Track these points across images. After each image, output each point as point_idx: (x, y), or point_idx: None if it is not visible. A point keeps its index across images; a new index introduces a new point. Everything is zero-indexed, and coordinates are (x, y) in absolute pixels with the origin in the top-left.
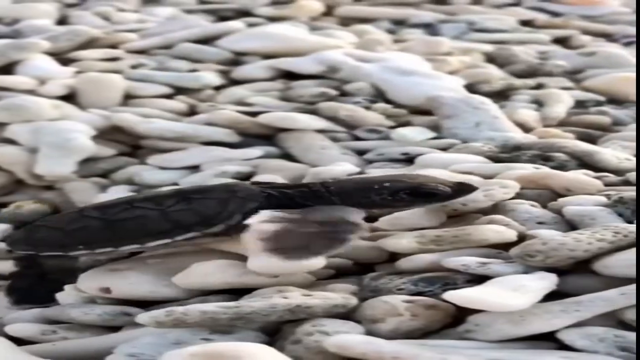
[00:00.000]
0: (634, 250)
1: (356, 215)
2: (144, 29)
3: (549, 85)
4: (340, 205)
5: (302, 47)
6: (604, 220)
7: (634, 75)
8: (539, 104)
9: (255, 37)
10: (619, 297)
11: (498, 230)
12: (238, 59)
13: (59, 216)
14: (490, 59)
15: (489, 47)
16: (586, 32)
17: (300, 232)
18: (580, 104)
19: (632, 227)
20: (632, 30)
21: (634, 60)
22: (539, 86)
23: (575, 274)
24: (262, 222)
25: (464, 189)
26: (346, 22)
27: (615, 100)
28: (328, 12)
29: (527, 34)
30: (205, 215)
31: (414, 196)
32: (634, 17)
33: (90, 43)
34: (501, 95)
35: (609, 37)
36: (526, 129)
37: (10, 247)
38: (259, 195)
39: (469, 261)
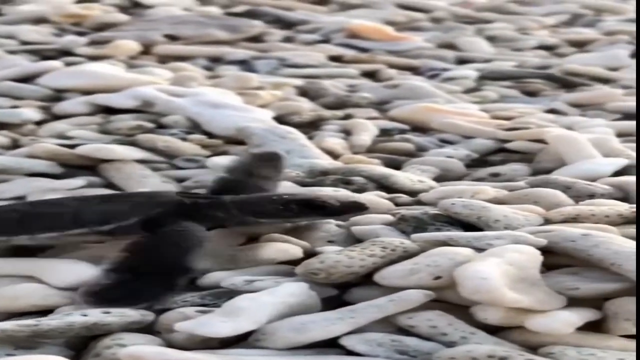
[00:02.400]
0: (404, 262)
1: (190, 259)
2: None
3: (357, 116)
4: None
5: (118, 83)
6: (385, 237)
7: (433, 105)
8: (347, 133)
9: (74, 75)
10: (389, 304)
11: (282, 249)
12: (58, 95)
13: None
14: (303, 92)
15: (299, 82)
16: (392, 66)
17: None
18: (385, 133)
19: (397, 241)
20: (436, 63)
21: (436, 90)
22: (347, 117)
23: (361, 286)
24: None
25: (353, 206)
26: (164, 60)
27: (418, 128)
28: (146, 51)
29: (336, 69)
30: (107, 214)
31: (303, 208)
32: (436, 52)
33: None
34: (312, 126)
35: (414, 70)
36: (335, 156)
37: None
38: (169, 203)
39: (237, 280)
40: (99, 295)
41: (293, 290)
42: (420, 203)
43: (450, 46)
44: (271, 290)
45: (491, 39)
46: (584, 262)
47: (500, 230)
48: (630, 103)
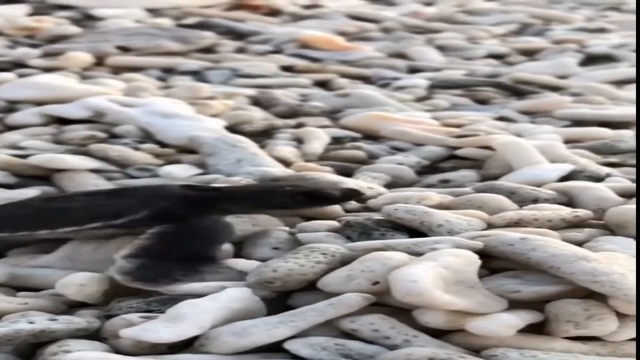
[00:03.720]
0: (342, 269)
1: (217, 250)
2: None
3: (309, 124)
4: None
5: (70, 94)
6: (322, 244)
7: (384, 113)
8: (299, 141)
9: (27, 87)
10: (328, 308)
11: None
12: (12, 106)
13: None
14: (255, 102)
15: (252, 92)
16: (344, 75)
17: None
18: (337, 141)
19: (333, 248)
20: (387, 72)
21: (387, 99)
22: (299, 125)
23: (308, 292)
24: (124, 257)
25: (352, 193)
26: (117, 71)
27: (370, 136)
28: (99, 62)
29: (288, 79)
30: (118, 208)
31: (308, 199)
32: (387, 62)
33: None
34: (265, 134)
35: (366, 79)
36: (287, 164)
37: None
38: (176, 196)
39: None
40: (135, 274)
41: (236, 295)
42: (368, 209)
43: (401, 55)
44: (214, 296)
45: (441, 49)
46: (523, 266)
47: (442, 235)
48: (578, 110)
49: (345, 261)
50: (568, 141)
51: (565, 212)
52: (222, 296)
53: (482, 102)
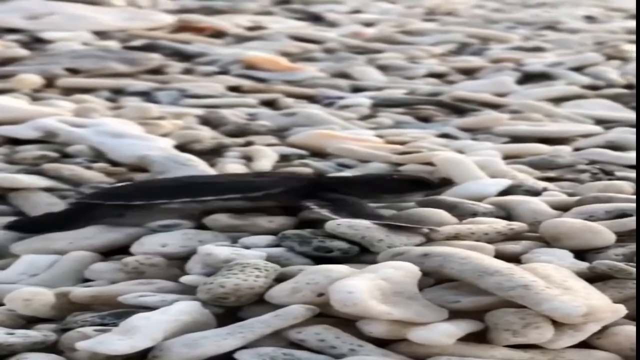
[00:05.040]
0: (288, 282)
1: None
2: None
3: (257, 143)
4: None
5: (21, 115)
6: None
7: (329, 131)
8: (248, 159)
9: None
10: (274, 319)
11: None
12: None
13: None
14: (204, 121)
15: (200, 111)
16: (289, 95)
17: None
18: (285, 158)
19: (262, 263)
20: (331, 92)
21: (331, 117)
22: (248, 144)
23: (256, 305)
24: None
25: (446, 182)
26: (67, 92)
27: (316, 154)
28: (49, 84)
29: (235, 99)
30: (258, 184)
31: (412, 186)
32: (331, 81)
33: None
34: (214, 153)
35: (311, 99)
36: None
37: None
38: (308, 180)
39: (129, 296)
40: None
41: (185, 309)
42: None
43: (344, 75)
44: (164, 309)
45: (382, 68)
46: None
47: (383, 250)
48: (517, 127)
49: (284, 273)
50: (507, 157)
51: (501, 225)
52: (173, 309)
53: (425, 119)
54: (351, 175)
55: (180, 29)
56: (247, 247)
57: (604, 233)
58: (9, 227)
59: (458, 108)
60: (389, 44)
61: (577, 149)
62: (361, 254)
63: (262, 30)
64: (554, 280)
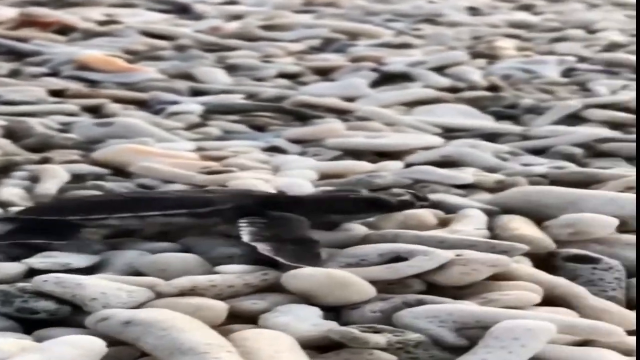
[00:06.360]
0: None
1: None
2: None
3: (55, 159)
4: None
5: None
6: None
7: (139, 146)
8: (34, 180)
9: None
10: None
11: None
12: None
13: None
14: (8, 133)
15: (3, 122)
16: (118, 100)
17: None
18: (80, 178)
19: None
20: (167, 96)
21: (152, 128)
22: (44, 160)
23: None
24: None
25: (406, 204)
26: None
27: (122, 172)
28: None
29: (54, 105)
30: (207, 200)
31: (371, 206)
32: (170, 84)
33: None
34: (4, 171)
35: (142, 104)
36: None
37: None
38: (258, 197)
39: None
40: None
41: None
42: None
43: (187, 76)
44: None
45: (231, 68)
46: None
47: (97, 310)
48: (351, 139)
49: None
50: (325, 177)
51: (253, 275)
52: None
53: (260, 128)
54: (307, 194)
55: (24, 24)
56: None
57: (358, 286)
58: None
59: (300, 114)
60: (247, 40)
61: (408, 165)
62: (77, 313)
63: (114, 25)
64: (260, 357)
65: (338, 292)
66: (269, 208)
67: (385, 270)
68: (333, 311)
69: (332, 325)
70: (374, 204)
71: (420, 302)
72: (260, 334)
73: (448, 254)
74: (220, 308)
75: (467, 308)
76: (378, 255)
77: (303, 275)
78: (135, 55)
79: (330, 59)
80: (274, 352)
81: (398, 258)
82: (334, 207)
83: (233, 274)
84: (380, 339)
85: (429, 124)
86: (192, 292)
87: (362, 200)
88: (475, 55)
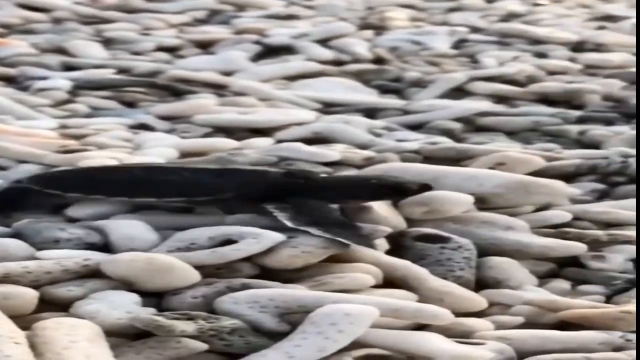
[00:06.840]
0: None
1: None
2: None
3: None
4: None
5: None
6: None
7: None
8: None
9: None
10: None
11: None
12: None
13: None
14: None
15: None
16: None
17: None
18: None
19: None
20: (37, 71)
21: (14, 105)
22: None
23: None
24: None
25: (425, 188)
26: None
27: None
28: None
29: None
30: (207, 186)
31: (392, 191)
32: (41, 59)
33: None
34: None
35: (11, 80)
36: None
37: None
38: (277, 182)
39: None
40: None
41: None
42: None
43: (60, 51)
44: None
45: (108, 42)
46: None
47: None
48: (221, 115)
49: None
50: (186, 154)
51: (73, 261)
52: None
53: (130, 104)
54: (322, 177)
55: None
56: None
57: (181, 271)
58: None
59: (174, 90)
60: (127, 12)
61: (279, 142)
62: None
63: None
64: (50, 350)
65: (159, 278)
66: (281, 193)
67: (210, 255)
68: (156, 297)
69: (143, 312)
70: (395, 189)
71: (245, 287)
72: (60, 323)
73: (278, 237)
74: (30, 296)
75: (291, 292)
76: (208, 239)
77: (123, 261)
78: (8, 29)
79: (212, 31)
80: (70, 342)
81: (229, 241)
82: (353, 192)
83: (51, 259)
84: (188, 326)
85: (307, 99)
86: (6, 279)
87: (385, 186)
88: (364, 26)
